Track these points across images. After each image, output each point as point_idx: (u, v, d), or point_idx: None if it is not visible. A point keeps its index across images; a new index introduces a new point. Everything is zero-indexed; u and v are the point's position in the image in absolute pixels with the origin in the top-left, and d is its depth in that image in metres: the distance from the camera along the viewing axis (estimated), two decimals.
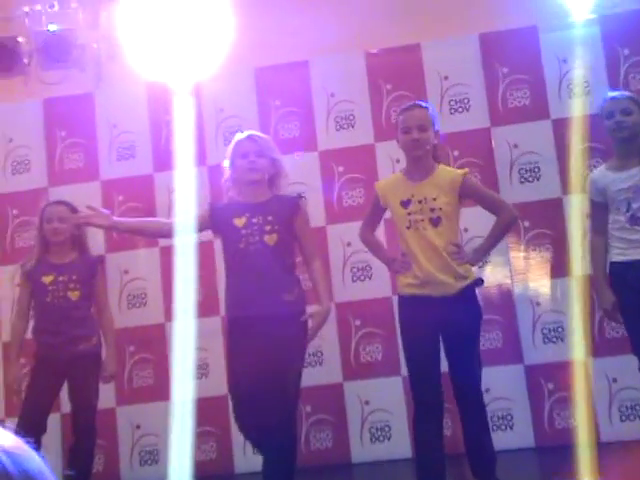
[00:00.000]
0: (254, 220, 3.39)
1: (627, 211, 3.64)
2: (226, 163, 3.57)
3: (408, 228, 3.46)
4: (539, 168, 4.73)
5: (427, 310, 3.40)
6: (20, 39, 4.88)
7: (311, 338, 3.44)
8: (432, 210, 3.42)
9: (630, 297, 3.63)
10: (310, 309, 3.45)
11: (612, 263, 3.71)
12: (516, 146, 4.76)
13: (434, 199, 3.43)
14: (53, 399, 4.02)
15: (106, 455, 4.78)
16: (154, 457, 4.78)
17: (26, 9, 4.90)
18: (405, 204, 3.47)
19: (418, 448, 3.54)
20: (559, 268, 4.65)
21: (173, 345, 4.41)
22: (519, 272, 4.70)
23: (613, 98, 3.77)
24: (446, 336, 3.44)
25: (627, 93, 3.90)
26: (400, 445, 4.62)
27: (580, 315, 4.51)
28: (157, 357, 4.84)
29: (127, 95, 5.04)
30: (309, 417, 4.68)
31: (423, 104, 3.65)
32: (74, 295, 3.98)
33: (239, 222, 3.40)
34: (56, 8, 4.90)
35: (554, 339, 4.64)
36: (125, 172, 4.99)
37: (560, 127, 4.70)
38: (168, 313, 4.83)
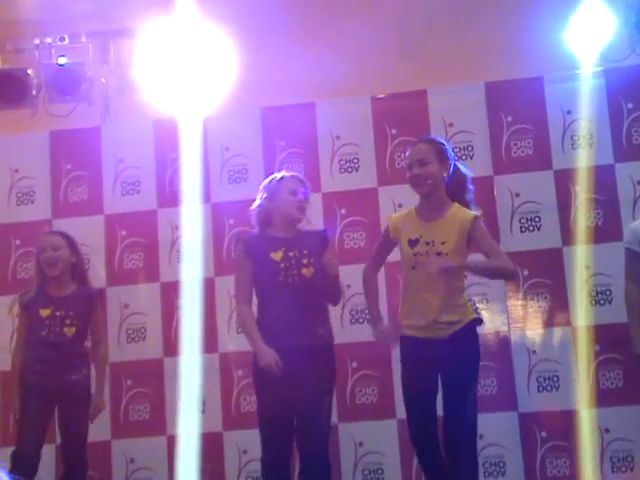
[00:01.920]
0: (290, 254, 3.54)
1: None
2: (263, 193, 3.72)
3: (413, 268, 3.47)
4: (540, 218, 4.76)
5: (426, 351, 3.41)
6: (29, 71, 4.94)
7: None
8: (438, 254, 3.41)
9: None
10: None
11: None
12: (518, 195, 4.79)
13: (442, 243, 3.42)
14: (46, 428, 4.02)
15: None
16: None
17: (36, 42, 4.96)
18: (413, 243, 3.49)
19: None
20: (556, 318, 4.68)
21: (179, 380, 4.46)
22: (516, 320, 4.72)
23: None
24: (442, 376, 3.45)
25: None
26: None
27: (576, 365, 4.57)
28: (154, 392, 4.84)
29: (134, 130, 5.06)
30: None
31: (428, 138, 3.69)
32: (70, 331, 4.02)
33: (276, 256, 3.55)
34: (66, 41, 4.97)
35: (549, 387, 4.66)
36: (129, 207, 5.00)
37: (562, 178, 4.74)
38: (167, 348, 4.87)
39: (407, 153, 3.62)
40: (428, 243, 3.44)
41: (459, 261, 3.45)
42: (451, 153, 3.66)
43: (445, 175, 3.52)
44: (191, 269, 4.63)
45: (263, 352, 3.46)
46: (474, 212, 3.58)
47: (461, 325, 3.44)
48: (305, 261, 3.53)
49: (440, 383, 3.47)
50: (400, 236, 3.55)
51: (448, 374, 3.43)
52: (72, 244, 4.14)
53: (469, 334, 3.47)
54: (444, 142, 3.71)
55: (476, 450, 3.59)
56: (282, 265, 3.52)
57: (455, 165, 3.66)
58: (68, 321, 4.01)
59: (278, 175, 3.76)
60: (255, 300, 3.70)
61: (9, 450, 4.04)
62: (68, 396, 3.96)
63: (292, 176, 3.74)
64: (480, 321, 3.57)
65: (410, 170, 3.53)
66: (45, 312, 4.01)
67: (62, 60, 4.92)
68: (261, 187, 3.78)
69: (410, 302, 3.52)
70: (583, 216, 4.68)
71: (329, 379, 3.58)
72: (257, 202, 3.73)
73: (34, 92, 4.91)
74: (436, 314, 3.42)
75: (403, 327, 3.55)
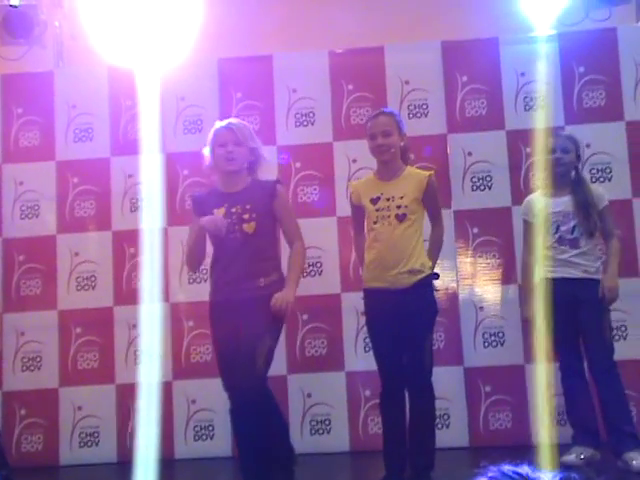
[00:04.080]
0: (233, 210, 3.54)
1: (555, 232, 4.03)
2: (206, 151, 3.67)
3: (375, 223, 3.70)
4: (491, 177, 4.85)
5: (390, 301, 3.61)
6: None
7: (278, 317, 3.55)
8: (398, 207, 3.67)
9: (555, 310, 3.89)
10: None
11: (541, 279, 4.00)
12: (470, 154, 4.86)
13: (401, 197, 3.68)
14: None
15: (46, 434, 4.79)
16: (94, 439, 4.79)
17: None
18: (374, 201, 3.73)
19: (385, 427, 3.75)
20: (504, 275, 4.79)
21: (139, 329, 4.49)
22: (465, 277, 4.82)
23: (557, 135, 4.25)
24: (402, 326, 3.61)
25: (567, 133, 4.32)
26: (339, 438, 4.74)
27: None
28: (103, 340, 4.83)
29: (88, 76, 4.99)
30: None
31: (387, 110, 3.89)
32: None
33: (219, 212, 3.56)
34: None
35: (494, 343, 4.77)
36: (82, 154, 4.95)
37: (514, 138, 4.83)
38: (117, 297, 4.86)
39: (368, 124, 3.79)
40: (388, 199, 3.69)
41: (417, 212, 3.69)
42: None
43: (402, 144, 3.78)
44: (147, 218, 4.61)
45: (200, 221, 3.53)
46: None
47: (422, 276, 3.64)
48: (246, 216, 3.54)
49: (399, 331, 3.64)
50: (361, 198, 3.79)
51: (409, 322, 3.61)
52: None
53: (428, 285, 3.70)
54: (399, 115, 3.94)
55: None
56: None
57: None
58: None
59: (213, 128, 3.70)
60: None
61: None
62: None
63: (224, 126, 3.65)
64: (437, 275, 3.78)
65: (374, 140, 3.74)
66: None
67: (14, 1, 4.80)
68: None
69: (374, 255, 3.70)
70: (532, 176, 4.78)
71: (266, 326, 3.51)
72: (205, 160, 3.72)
73: None
74: (401, 264, 3.62)
75: (365, 279, 3.77)
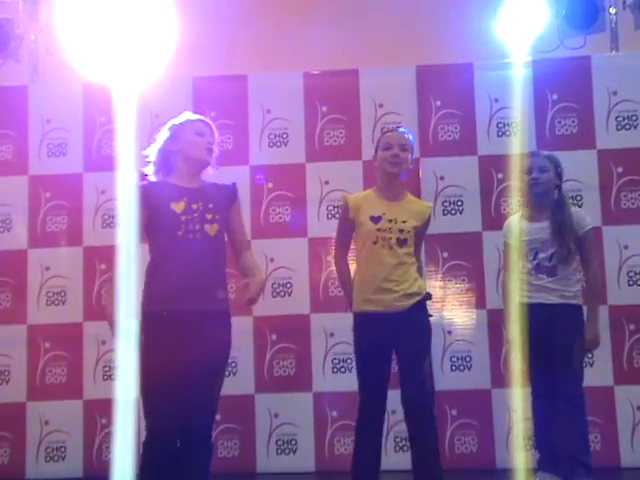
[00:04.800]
0: (194, 206, 3.14)
1: (534, 259, 3.95)
2: (162, 135, 3.31)
3: (375, 243, 3.59)
4: (462, 202, 4.87)
5: (384, 325, 3.54)
6: None
7: (252, 302, 3.14)
8: (400, 231, 3.60)
9: (530, 335, 3.88)
10: None
11: (517, 303, 3.95)
12: (442, 178, 4.89)
13: (403, 221, 3.62)
14: None
15: (12, 448, 4.80)
16: (61, 454, 4.80)
17: None
18: (375, 219, 3.63)
19: (358, 449, 3.67)
20: (473, 300, 4.82)
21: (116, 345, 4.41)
22: (434, 300, 4.82)
23: (533, 154, 4.10)
24: (400, 348, 3.59)
25: (545, 152, 4.15)
26: (305, 458, 4.76)
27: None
28: (72, 355, 4.83)
29: (63, 91, 4.99)
30: (219, 425, 4.75)
31: (408, 130, 3.84)
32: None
33: (177, 207, 3.13)
34: None
35: (461, 367, 4.80)
36: (55, 169, 4.95)
37: (486, 163, 4.86)
38: (87, 312, 4.86)
39: (383, 136, 3.75)
40: (391, 220, 3.61)
41: (412, 241, 3.64)
42: None
43: (410, 167, 3.73)
44: (124, 235, 4.61)
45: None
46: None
47: (419, 298, 3.61)
48: (209, 216, 3.14)
49: (396, 354, 3.62)
50: (359, 214, 3.66)
51: (406, 345, 3.57)
52: None
53: (423, 306, 3.66)
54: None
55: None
56: (183, 218, 3.10)
57: None
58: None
59: (182, 117, 3.34)
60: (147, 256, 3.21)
61: None
62: None
63: (199, 119, 3.34)
64: (430, 296, 3.74)
65: (390, 149, 3.64)
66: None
67: None
68: (162, 130, 3.34)
69: (370, 277, 3.61)
70: (504, 202, 4.81)
71: (227, 348, 3.18)
72: (156, 145, 3.31)
73: None
74: (399, 288, 3.57)
75: (357, 302, 3.66)
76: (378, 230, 3.60)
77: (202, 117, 3.41)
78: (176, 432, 3.05)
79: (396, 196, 3.69)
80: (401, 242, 3.60)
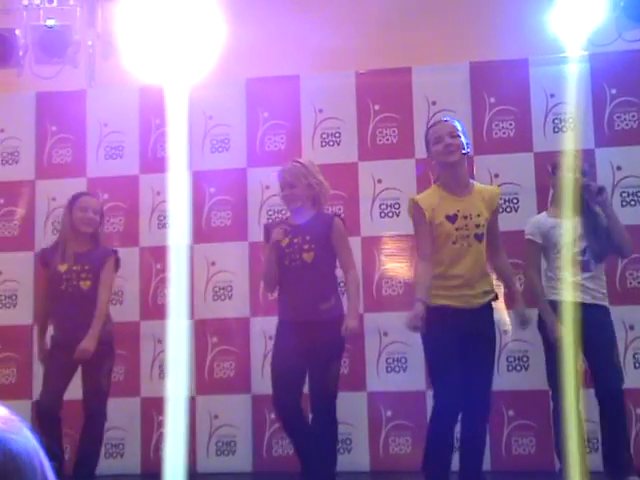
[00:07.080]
0: (295, 240, 3.93)
1: (567, 254, 3.96)
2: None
3: (454, 243, 3.56)
4: (518, 199, 4.79)
5: (459, 319, 3.53)
6: (17, 32, 4.94)
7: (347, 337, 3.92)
8: (477, 226, 3.58)
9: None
10: None
11: (552, 301, 3.94)
12: (497, 176, 4.81)
13: (477, 215, 3.59)
14: (68, 381, 4.14)
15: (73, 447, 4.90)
16: (119, 451, 4.88)
17: (25, 2, 4.97)
18: (451, 219, 3.58)
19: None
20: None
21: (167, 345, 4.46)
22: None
23: (586, 160, 4.14)
24: (473, 344, 3.56)
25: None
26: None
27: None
28: (130, 354, 4.91)
29: (119, 95, 5.10)
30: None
31: (451, 117, 3.84)
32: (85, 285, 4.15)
33: (284, 242, 3.94)
34: (55, 4, 4.98)
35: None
36: (112, 171, 5.06)
37: (542, 160, 4.75)
38: (144, 312, 4.93)
39: (430, 131, 3.71)
40: (466, 217, 3.57)
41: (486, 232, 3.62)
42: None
43: (468, 151, 3.69)
44: (175, 236, 4.67)
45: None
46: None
47: (491, 296, 3.64)
48: (306, 247, 3.92)
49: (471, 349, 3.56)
50: (434, 215, 3.57)
51: (479, 343, 3.57)
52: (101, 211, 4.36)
53: (491, 307, 3.68)
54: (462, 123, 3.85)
55: None
56: (287, 250, 3.92)
57: None
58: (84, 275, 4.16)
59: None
60: None
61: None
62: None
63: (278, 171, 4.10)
64: (497, 296, 3.74)
65: (440, 142, 3.59)
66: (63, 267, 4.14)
67: (50, 22, 4.92)
68: None
69: (448, 274, 3.58)
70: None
71: (332, 347, 3.92)
72: None
73: (21, 53, 4.92)
74: (478, 284, 3.58)
75: (433, 296, 3.56)
76: (457, 230, 3.56)
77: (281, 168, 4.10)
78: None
79: (464, 189, 3.63)
80: (479, 237, 3.58)
